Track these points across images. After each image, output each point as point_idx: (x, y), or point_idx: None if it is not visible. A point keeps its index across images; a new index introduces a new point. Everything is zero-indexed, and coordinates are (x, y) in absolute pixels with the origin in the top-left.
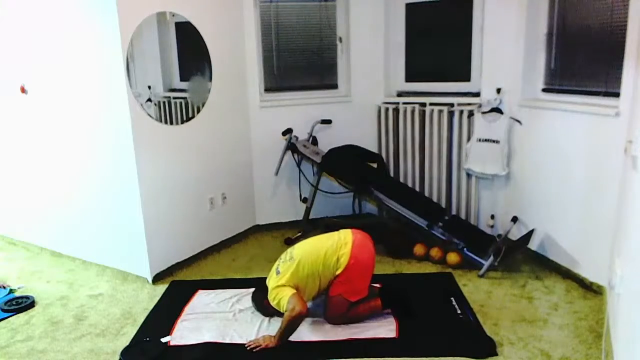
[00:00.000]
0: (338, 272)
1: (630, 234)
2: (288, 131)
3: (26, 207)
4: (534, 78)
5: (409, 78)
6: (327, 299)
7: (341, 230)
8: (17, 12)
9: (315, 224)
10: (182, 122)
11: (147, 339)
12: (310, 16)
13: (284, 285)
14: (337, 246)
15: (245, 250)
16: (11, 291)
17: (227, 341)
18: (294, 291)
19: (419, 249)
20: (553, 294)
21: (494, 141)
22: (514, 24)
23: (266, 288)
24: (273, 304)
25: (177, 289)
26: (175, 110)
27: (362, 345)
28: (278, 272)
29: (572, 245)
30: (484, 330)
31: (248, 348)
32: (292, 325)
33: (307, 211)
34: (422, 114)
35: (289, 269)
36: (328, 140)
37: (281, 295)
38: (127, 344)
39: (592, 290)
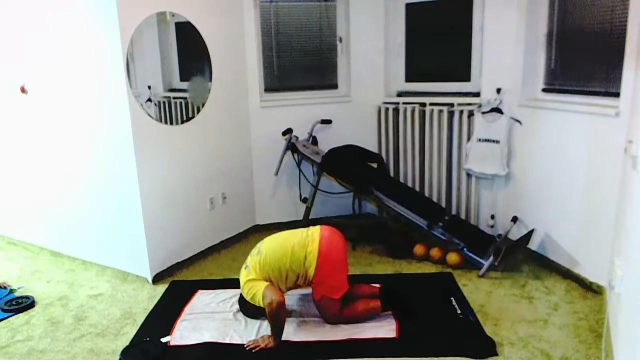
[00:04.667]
0: (309, 271)
1: (630, 234)
2: (288, 131)
3: (26, 207)
4: (534, 78)
5: (409, 78)
6: (316, 306)
7: (310, 227)
8: (17, 12)
9: (315, 224)
10: (182, 122)
11: (147, 339)
12: (310, 16)
13: (255, 279)
14: (304, 242)
15: (245, 251)
16: (11, 291)
17: (227, 341)
18: (267, 283)
19: (419, 249)
20: (553, 294)
21: (494, 141)
22: (514, 24)
23: None
24: (248, 298)
25: (177, 289)
26: (175, 110)
27: (362, 345)
28: (247, 267)
29: (572, 245)
30: (484, 330)
31: (247, 348)
32: (277, 318)
33: (307, 211)
34: (422, 114)
35: (257, 263)
36: (328, 140)
37: (255, 289)
38: (127, 344)
39: (592, 290)
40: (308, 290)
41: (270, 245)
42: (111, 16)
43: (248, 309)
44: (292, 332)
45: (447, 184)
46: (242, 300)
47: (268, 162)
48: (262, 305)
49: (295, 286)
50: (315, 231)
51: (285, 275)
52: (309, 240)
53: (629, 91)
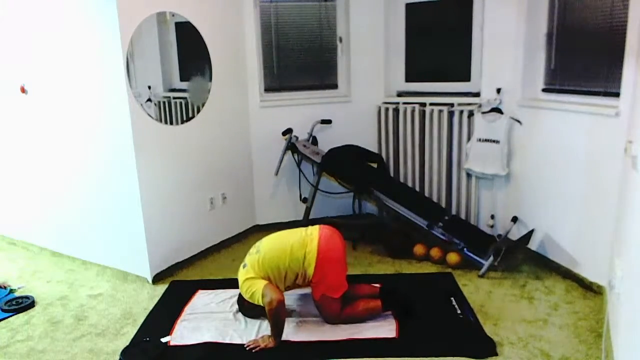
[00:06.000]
0: (309, 270)
1: (630, 234)
2: (288, 131)
3: (26, 207)
4: (534, 78)
5: (409, 78)
6: (316, 305)
7: (309, 226)
8: (17, 12)
9: (315, 224)
10: (182, 122)
11: (147, 339)
12: (310, 16)
13: (253, 278)
14: (303, 242)
15: (245, 251)
16: (11, 291)
17: (227, 341)
18: (266, 282)
19: (419, 249)
20: (553, 294)
21: (494, 141)
22: (514, 24)
23: None
24: (246, 297)
25: (177, 289)
26: (175, 110)
27: (362, 345)
28: (245, 265)
29: (572, 245)
30: (484, 330)
31: (247, 348)
32: (276, 316)
33: (307, 211)
34: (422, 114)
35: (255, 261)
36: (328, 140)
37: (254, 288)
38: (127, 344)
39: (592, 290)
40: (307, 290)
41: (269, 244)
42: (111, 16)
43: (247, 308)
44: (291, 332)
45: (447, 184)
46: (241, 300)
47: (268, 162)
48: (261, 304)
49: (295, 286)
50: (314, 230)
51: (285, 274)
52: (308, 240)
53: (629, 91)
